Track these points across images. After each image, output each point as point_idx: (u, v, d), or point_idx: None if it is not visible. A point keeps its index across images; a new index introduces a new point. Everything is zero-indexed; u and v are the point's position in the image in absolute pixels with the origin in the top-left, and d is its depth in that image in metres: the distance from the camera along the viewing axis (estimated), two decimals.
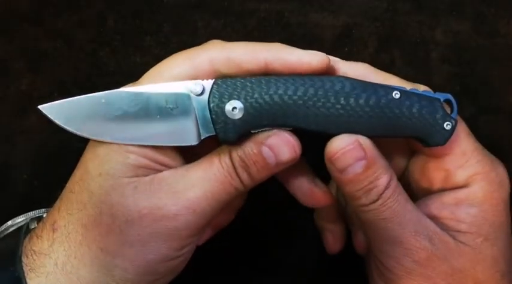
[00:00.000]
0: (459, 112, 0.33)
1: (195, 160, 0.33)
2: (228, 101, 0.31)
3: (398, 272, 0.33)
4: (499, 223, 0.34)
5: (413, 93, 0.32)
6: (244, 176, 0.32)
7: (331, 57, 0.33)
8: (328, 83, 0.31)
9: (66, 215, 0.32)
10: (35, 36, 0.46)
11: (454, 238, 0.33)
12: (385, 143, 0.34)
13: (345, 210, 0.41)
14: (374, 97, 0.31)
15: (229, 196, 0.33)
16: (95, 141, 0.32)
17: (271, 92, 0.31)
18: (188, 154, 0.34)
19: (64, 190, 0.34)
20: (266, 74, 0.32)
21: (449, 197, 0.34)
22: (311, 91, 0.31)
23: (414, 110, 0.32)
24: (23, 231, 0.35)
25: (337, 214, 0.41)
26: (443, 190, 0.35)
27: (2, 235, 0.37)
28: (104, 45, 0.46)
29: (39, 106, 0.32)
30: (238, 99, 0.31)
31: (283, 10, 0.45)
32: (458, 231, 0.33)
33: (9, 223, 0.38)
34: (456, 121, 0.32)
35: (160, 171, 0.33)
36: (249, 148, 0.32)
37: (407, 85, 0.33)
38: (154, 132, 0.32)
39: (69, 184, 0.33)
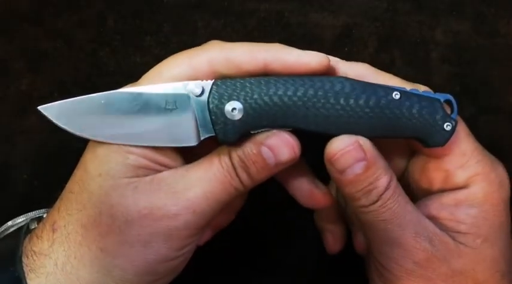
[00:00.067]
0: (459, 112, 0.33)
1: (195, 161, 0.33)
2: (228, 102, 0.31)
3: (398, 274, 0.33)
4: (499, 223, 0.34)
5: (414, 93, 0.32)
6: (244, 176, 0.32)
7: (331, 57, 0.33)
8: (328, 84, 0.31)
9: (66, 216, 0.32)
10: (35, 36, 0.46)
11: (453, 239, 0.33)
12: (385, 144, 0.34)
13: (345, 210, 0.40)
14: (374, 97, 0.31)
15: (229, 197, 0.33)
16: (94, 141, 0.32)
17: (270, 93, 0.31)
18: (188, 155, 0.34)
19: (64, 191, 0.34)
20: (265, 75, 0.32)
21: (449, 198, 0.34)
22: (311, 91, 0.31)
23: (414, 111, 0.32)
24: (23, 231, 0.35)
25: (337, 214, 0.41)
26: (443, 190, 0.35)
27: (2, 236, 0.37)
28: (104, 45, 0.46)
29: (39, 107, 0.32)
30: (238, 99, 0.31)
31: (283, 10, 0.45)
32: (458, 232, 0.33)
33: (10, 223, 0.38)
34: (456, 122, 0.32)
35: (160, 171, 0.33)
36: (249, 148, 0.32)
37: (408, 86, 0.33)
38: (154, 133, 0.32)
39: (69, 185, 0.33)
